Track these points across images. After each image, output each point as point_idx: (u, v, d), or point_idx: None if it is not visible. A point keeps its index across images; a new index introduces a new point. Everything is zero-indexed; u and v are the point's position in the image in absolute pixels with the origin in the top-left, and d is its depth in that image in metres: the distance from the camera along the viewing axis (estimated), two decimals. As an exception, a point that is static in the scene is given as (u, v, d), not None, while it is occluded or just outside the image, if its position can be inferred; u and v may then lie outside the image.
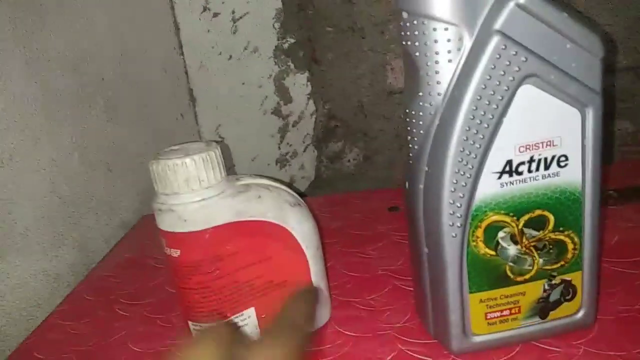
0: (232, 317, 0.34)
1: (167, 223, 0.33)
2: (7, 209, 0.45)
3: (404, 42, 0.31)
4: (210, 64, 0.74)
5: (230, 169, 0.36)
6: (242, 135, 0.77)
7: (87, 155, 0.56)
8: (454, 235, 0.31)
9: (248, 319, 0.35)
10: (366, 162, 0.78)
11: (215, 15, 0.73)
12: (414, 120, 0.32)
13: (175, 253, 0.33)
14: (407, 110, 0.32)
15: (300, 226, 0.36)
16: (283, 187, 0.37)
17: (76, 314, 0.46)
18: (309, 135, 0.77)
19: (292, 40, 0.73)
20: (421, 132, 0.32)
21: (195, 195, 0.32)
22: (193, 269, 0.33)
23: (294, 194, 0.37)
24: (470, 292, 0.33)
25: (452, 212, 0.31)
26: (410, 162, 0.33)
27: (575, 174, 0.31)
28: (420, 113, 0.31)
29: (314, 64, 0.74)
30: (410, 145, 0.33)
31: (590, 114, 0.30)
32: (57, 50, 0.52)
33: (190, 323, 0.35)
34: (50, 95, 0.51)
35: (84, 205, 0.55)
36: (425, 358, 0.36)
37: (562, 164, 0.31)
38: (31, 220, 0.48)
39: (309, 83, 0.75)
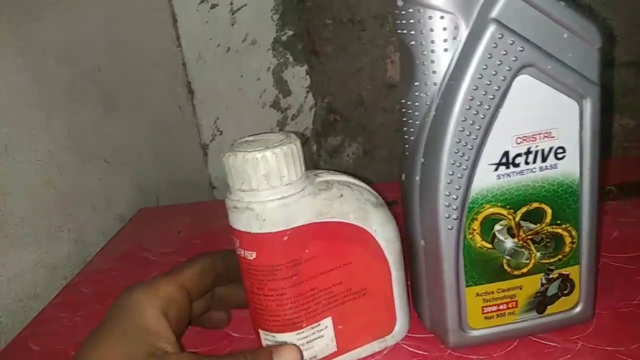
0: (308, 328, 0.32)
1: (243, 222, 0.30)
2: (2, 200, 0.45)
3: (399, 31, 0.30)
4: (208, 56, 0.74)
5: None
6: (240, 129, 0.76)
7: (83, 147, 0.55)
8: (450, 227, 0.31)
9: (324, 330, 0.33)
10: (366, 156, 0.77)
11: (214, 6, 0.72)
12: (409, 111, 0.31)
13: (251, 256, 0.31)
14: (403, 101, 0.32)
15: (382, 229, 0.33)
16: (364, 184, 0.34)
17: (72, 306, 0.46)
18: (308, 129, 0.77)
19: (291, 33, 0.73)
20: (417, 122, 0.31)
21: (275, 193, 0.30)
22: (269, 273, 0.31)
23: (375, 192, 0.34)
24: (467, 286, 0.33)
25: (448, 204, 0.31)
26: (406, 153, 0.33)
27: (573, 166, 0.31)
28: (416, 103, 0.31)
29: (313, 57, 0.73)
30: (406, 137, 0.32)
31: (588, 105, 0.29)
32: (51, 40, 0.52)
33: (261, 332, 0.33)
34: (45, 85, 0.51)
35: (80, 198, 0.54)
36: (422, 352, 0.35)
37: (559, 155, 0.30)
38: (26, 212, 0.47)
39: (308, 76, 0.74)
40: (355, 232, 0.32)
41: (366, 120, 0.75)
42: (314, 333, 0.33)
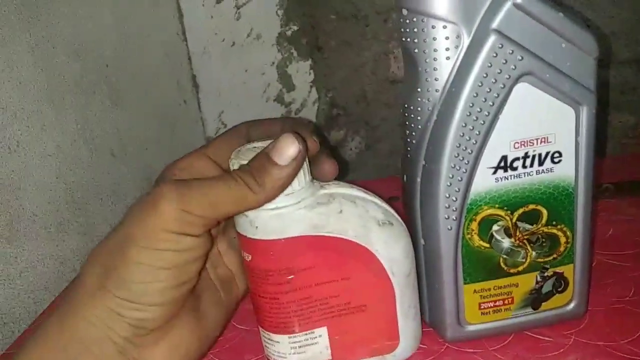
0: (301, 334, 0.33)
1: (240, 225, 0.31)
2: (15, 194, 0.46)
3: (403, 39, 0.31)
4: (213, 50, 0.75)
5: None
6: (244, 122, 0.77)
7: (91, 141, 0.56)
8: (449, 228, 0.32)
9: (319, 338, 0.33)
10: (368, 150, 0.78)
11: (219, 1, 0.73)
12: (412, 115, 0.33)
13: (248, 257, 0.32)
14: (406, 105, 0.33)
15: (386, 249, 0.32)
16: (375, 199, 0.33)
17: (81, 297, 0.47)
18: (312, 123, 0.78)
19: (295, 28, 0.73)
20: (419, 127, 0.32)
21: (270, 202, 0.30)
22: (263, 277, 0.31)
23: (389, 209, 0.33)
24: (465, 283, 0.34)
25: (447, 206, 0.32)
26: (408, 155, 0.34)
27: (569, 169, 0.32)
28: (419, 108, 0.32)
29: (316, 52, 0.74)
30: (408, 140, 0.34)
31: (584, 112, 0.31)
32: (61, 37, 0.53)
33: (260, 329, 0.34)
34: (56, 81, 0.52)
35: (89, 191, 0.56)
36: (421, 345, 0.37)
37: (556, 160, 0.32)
38: (38, 206, 0.48)
39: (311, 71, 0.75)
40: (355, 249, 0.32)
41: (369, 115, 0.76)
42: (307, 339, 0.33)
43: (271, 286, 0.32)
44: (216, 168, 0.33)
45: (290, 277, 0.31)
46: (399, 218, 0.33)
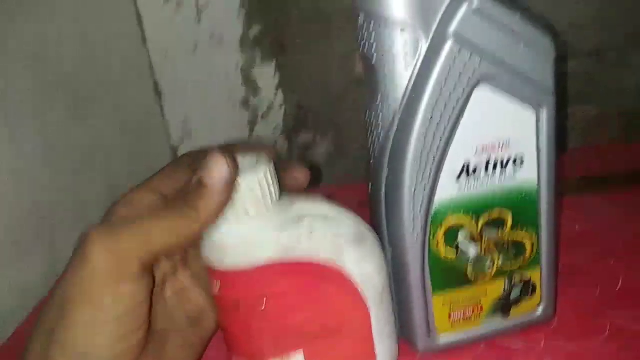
0: None
1: (207, 251, 0.30)
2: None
3: (361, 44, 0.30)
4: (175, 55, 0.73)
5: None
6: (210, 129, 0.76)
7: (51, 157, 0.54)
8: (415, 238, 0.32)
9: None
10: (337, 152, 0.77)
11: (179, 4, 0.71)
12: (373, 125, 0.32)
13: (216, 287, 0.30)
14: (367, 114, 0.32)
15: (359, 267, 0.30)
16: (347, 215, 0.31)
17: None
18: (279, 126, 0.77)
19: (259, 30, 0.72)
20: (381, 135, 0.32)
21: (238, 227, 0.29)
22: (232, 306, 0.30)
23: (361, 224, 0.32)
24: (434, 293, 0.33)
25: (412, 216, 0.31)
26: (372, 165, 0.33)
27: (531, 173, 0.32)
28: (380, 117, 0.31)
29: (281, 54, 0.73)
30: (371, 149, 0.33)
31: (544, 114, 0.30)
32: (14, 44, 0.50)
33: (233, 357, 0.33)
34: (9, 93, 0.49)
35: (51, 211, 0.53)
36: (391, 356, 0.36)
37: (518, 163, 0.31)
38: (-6, 230, 0.46)
39: (276, 73, 0.74)
40: (327, 270, 0.30)
41: (337, 116, 0.75)
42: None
43: (241, 314, 0.30)
44: (162, 202, 0.31)
45: (262, 305, 0.30)
46: (372, 233, 0.32)
